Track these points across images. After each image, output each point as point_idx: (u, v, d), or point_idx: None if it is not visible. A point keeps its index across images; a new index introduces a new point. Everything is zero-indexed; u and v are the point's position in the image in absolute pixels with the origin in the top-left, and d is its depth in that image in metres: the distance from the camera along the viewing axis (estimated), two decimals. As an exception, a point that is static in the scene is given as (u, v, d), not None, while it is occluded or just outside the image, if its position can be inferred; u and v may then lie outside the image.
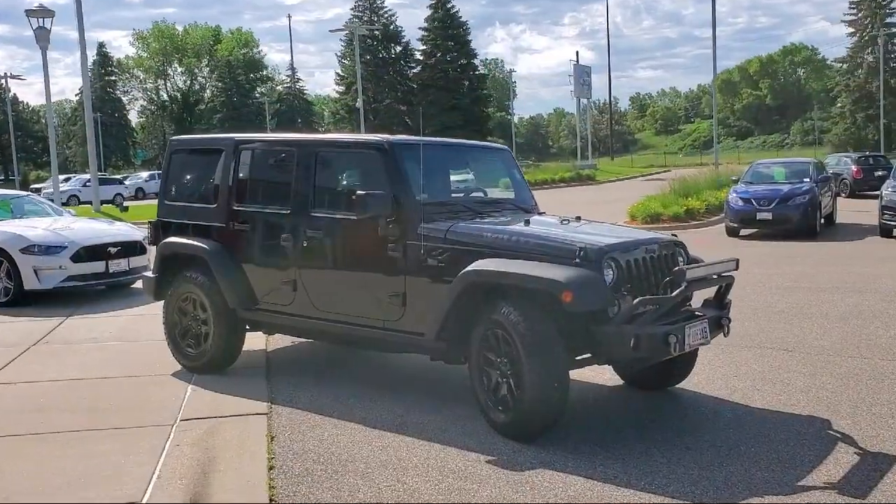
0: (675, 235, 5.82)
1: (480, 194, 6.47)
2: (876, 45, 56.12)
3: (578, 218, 6.01)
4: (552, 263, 4.93)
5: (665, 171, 57.54)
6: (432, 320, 5.35)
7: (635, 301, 4.88)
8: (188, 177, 7.25)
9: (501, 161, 6.74)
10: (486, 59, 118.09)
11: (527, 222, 5.56)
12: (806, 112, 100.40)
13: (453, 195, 6.35)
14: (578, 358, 5.18)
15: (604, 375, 6.34)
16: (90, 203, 31.51)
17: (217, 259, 6.56)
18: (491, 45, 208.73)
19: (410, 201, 5.60)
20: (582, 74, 55.73)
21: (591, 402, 5.96)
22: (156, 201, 7.47)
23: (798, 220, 17.29)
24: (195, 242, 6.75)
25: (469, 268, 5.11)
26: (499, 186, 6.68)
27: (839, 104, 59.32)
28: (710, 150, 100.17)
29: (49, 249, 10.42)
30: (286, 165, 6.36)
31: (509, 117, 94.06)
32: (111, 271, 10.79)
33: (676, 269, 5.01)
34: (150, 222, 7.39)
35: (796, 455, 4.76)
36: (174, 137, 7.47)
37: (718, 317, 5.45)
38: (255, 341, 7.35)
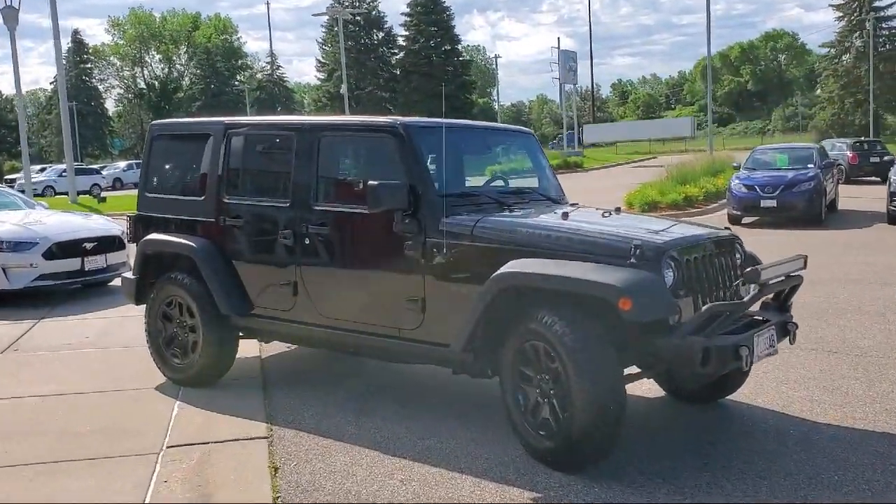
0: (729, 228, 5.13)
1: (501, 183, 5.75)
2: (864, 28, 55.78)
3: (618, 209, 5.30)
4: (602, 264, 4.23)
5: (651, 158, 57.04)
6: (458, 329, 4.63)
7: (704, 308, 4.19)
8: (172, 166, 6.48)
9: (525, 146, 6.01)
10: (468, 46, 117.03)
11: (565, 215, 4.85)
12: (787, 98, 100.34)
13: (474, 185, 5.62)
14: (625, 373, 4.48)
15: (642, 386, 5.65)
16: (66, 194, 30.49)
17: (206, 258, 5.81)
18: (469, 32, 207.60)
19: (430, 193, 4.88)
20: (567, 60, 54.91)
21: (636, 418, 5.26)
22: (135, 192, 6.69)
23: (803, 207, 16.74)
24: (180, 240, 5.99)
25: (503, 269, 4.40)
26: (522, 174, 5.95)
27: (828, 89, 58.97)
28: (693, 137, 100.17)
29: (19, 246, 9.59)
30: (284, 152, 5.61)
31: (493, 103, 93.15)
32: (87, 269, 9.97)
33: (750, 269, 4.31)
34: (129, 217, 6.61)
35: (890, 485, 4.10)
36: (155, 122, 6.68)
37: (784, 322, 4.78)
38: (247, 347, 6.60)
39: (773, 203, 16.89)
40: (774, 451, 4.59)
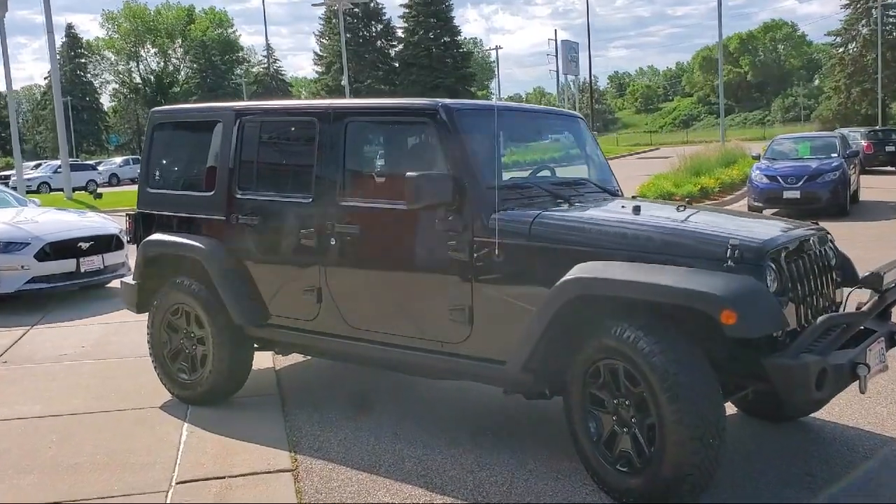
0: (817, 223, 4.46)
1: (547, 173, 5.06)
2: (870, 16, 54.95)
3: (688, 201, 4.61)
4: (693, 268, 3.56)
5: (653, 150, 56.43)
6: (515, 344, 3.96)
7: (819, 320, 3.53)
8: (176, 157, 5.80)
9: (575, 132, 5.32)
10: (465, 39, 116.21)
11: (636, 209, 4.17)
12: (787, 89, 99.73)
13: (518, 175, 4.93)
14: None
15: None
16: (62, 190, 29.75)
17: (216, 261, 5.14)
18: (464, 25, 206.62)
19: (477, 184, 4.20)
20: (569, 51, 54.06)
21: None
22: (132, 188, 6.01)
23: (828, 198, 16.08)
24: (187, 241, 5.32)
25: (573, 275, 3.73)
26: (571, 163, 5.27)
27: (834, 78, 58.16)
28: (693, 128, 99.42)
29: (9, 247, 8.90)
30: (305, 141, 4.94)
31: (491, 96, 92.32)
32: (83, 270, 9.28)
33: (870, 273, 3.65)
34: (128, 215, 5.93)
35: None
36: (157, 108, 5.98)
37: (891, 332, 4.11)
38: (261, 357, 5.90)
39: (796, 194, 16.24)
40: (886, 485, 3.93)
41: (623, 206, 4.42)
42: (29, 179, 39.96)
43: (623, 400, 3.67)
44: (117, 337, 7.50)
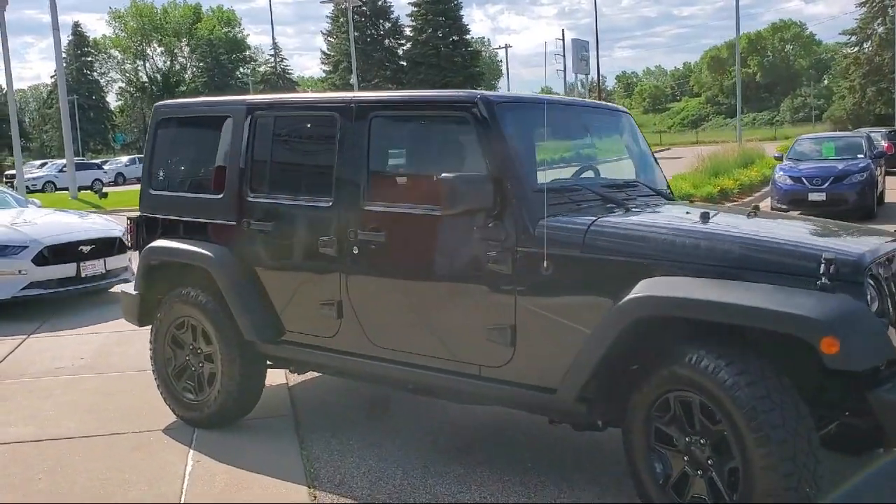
0: None
1: (591, 173, 4.55)
2: (886, 15, 54.15)
3: (756, 208, 4.09)
4: (781, 285, 3.06)
5: (664, 150, 55.74)
6: (569, 370, 3.47)
7: None
8: (182, 156, 5.31)
9: (621, 129, 4.81)
10: (473, 38, 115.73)
11: (705, 217, 3.66)
12: (796, 89, 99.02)
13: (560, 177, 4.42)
14: None
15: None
16: (67, 189, 29.36)
17: (225, 271, 4.66)
18: (469, 25, 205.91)
19: (522, 187, 3.70)
20: (580, 50, 53.27)
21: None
22: (139, 187, 5.52)
23: (855, 200, 15.53)
24: (193, 248, 4.84)
25: (639, 293, 3.23)
26: (618, 162, 4.76)
27: (850, 78, 57.37)
28: (702, 128, 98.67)
29: (5, 250, 8.42)
30: (325, 138, 4.45)
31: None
32: (84, 275, 8.80)
33: None
34: (129, 219, 5.45)
35: None
36: (161, 103, 5.49)
37: None
38: (272, 370, 5.40)
39: (821, 196, 15.70)
40: None
41: (687, 213, 3.92)
42: (34, 178, 39.70)
43: (697, 438, 3.17)
44: (119, 348, 7.02)
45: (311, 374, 5.78)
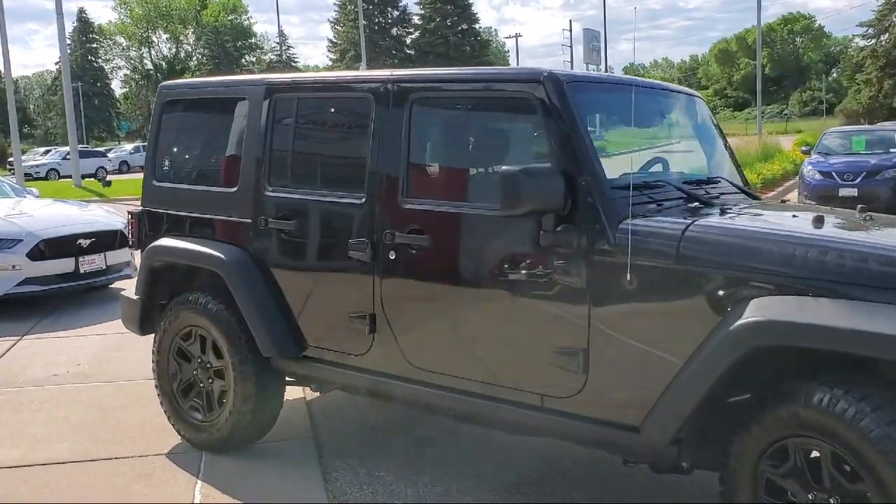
0: None
1: (660, 167, 3.92)
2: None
3: (864, 209, 3.47)
4: None
5: (675, 142, 54.89)
6: (660, 407, 2.87)
7: None
8: (190, 144, 4.73)
9: (696, 116, 4.20)
10: (481, 28, 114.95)
11: (819, 221, 3.05)
12: (806, 82, 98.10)
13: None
14: None
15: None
16: (70, 177, 28.78)
17: (239, 275, 4.06)
18: (477, 14, 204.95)
19: (599, 184, 3.10)
20: (591, 40, 52.51)
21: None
22: (142, 175, 4.91)
23: (889, 197, 14.88)
24: (203, 248, 4.24)
25: (755, 317, 2.62)
26: (689, 154, 4.13)
27: (867, 71, 56.42)
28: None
29: (-2, 243, 7.86)
30: (356, 124, 3.85)
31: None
32: (82, 271, 8.20)
33: None
34: (130, 213, 4.85)
35: None
36: (166, 83, 4.88)
37: None
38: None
39: (853, 192, 15.08)
40: None
41: (795, 215, 3.31)
42: (37, 166, 39.12)
43: (824, 497, 2.57)
44: (119, 353, 6.43)
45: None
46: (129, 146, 52.50)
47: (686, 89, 4.23)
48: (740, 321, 2.64)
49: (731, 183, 3.88)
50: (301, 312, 3.99)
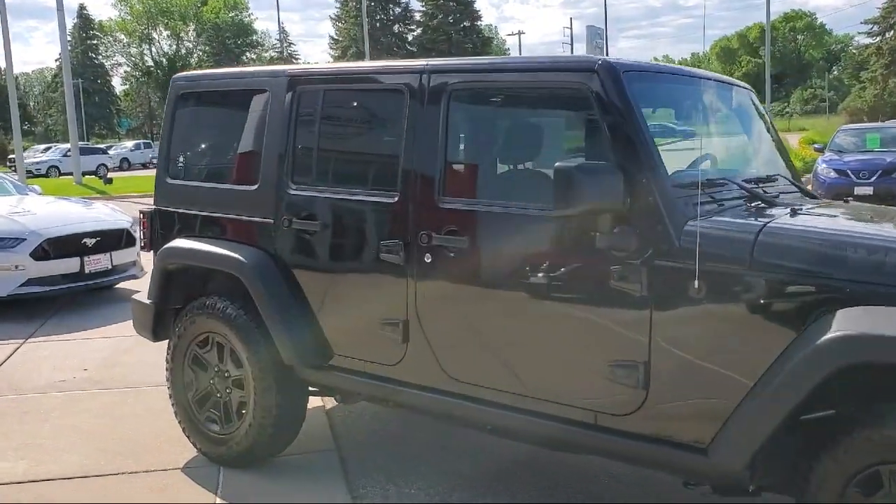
0: None
1: (708, 164, 3.66)
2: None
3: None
4: None
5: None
6: (733, 427, 2.61)
7: None
8: (206, 139, 4.47)
9: (749, 110, 3.94)
10: (483, 25, 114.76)
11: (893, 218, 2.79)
12: (807, 80, 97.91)
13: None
14: None
15: None
16: (71, 174, 28.53)
17: (260, 279, 3.80)
18: (480, 11, 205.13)
19: (661, 182, 2.84)
20: (594, 36, 52.35)
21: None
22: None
23: (905, 196, 14.70)
24: (220, 250, 3.98)
25: (847, 330, 2.37)
26: (745, 148, 3.87)
27: (871, 69, 56.18)
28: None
29: (1, 243, 7.58)
30: (390, 117, 3.59)
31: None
32: (88, 271, 7.94)
33: None
34: (142, 212, 4.58)
35: None
36: (180, 75, 4.61)
37: None
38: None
39: (868, 190, 14.85)
40: None
41: (870, 215, 3.06)
42: (38, 163, 38.85)
43: (925, 530, 2.32)
44: (128, 356, 6.17)
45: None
46: (129, 143, 52.28)
47: (740, 82, 3.97)
48: (828, 335, 2.38)
49: (789, 180, 3.62)
50: (326, 319, 3.73)
